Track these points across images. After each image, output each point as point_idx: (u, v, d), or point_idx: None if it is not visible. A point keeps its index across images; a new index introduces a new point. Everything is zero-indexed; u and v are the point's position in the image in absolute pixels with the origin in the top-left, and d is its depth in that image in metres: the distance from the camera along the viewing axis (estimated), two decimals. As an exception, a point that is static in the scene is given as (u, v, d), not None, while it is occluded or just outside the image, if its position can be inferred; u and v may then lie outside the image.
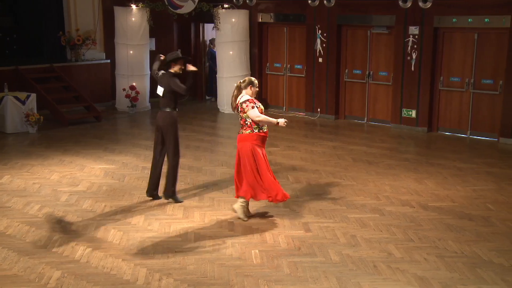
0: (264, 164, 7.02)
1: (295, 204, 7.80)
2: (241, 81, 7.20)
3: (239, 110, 7.05)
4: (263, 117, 7.01)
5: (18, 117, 11.80)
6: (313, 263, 6.03)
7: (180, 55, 7.88)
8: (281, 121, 7.21)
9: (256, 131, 7.02)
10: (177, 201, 7.78)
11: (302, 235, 6.77)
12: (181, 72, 7.72)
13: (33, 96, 12.10)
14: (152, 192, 7.89)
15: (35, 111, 11.99)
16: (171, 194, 7.80)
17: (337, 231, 6.87)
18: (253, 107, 6.96)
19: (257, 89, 7.21)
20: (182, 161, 9.78)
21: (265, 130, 7.13)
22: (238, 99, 7.12)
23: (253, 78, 7.25)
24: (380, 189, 8.44)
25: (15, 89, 12.26)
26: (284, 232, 6.84)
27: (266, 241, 6.60)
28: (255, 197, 7.08)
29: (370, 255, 6.19)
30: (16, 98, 11.79)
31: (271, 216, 7.35)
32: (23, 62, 13.58)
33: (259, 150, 7.05)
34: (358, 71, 13.20)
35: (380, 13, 12.45)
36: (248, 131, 7.03)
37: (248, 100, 7.01)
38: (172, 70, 7.68)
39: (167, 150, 7.72)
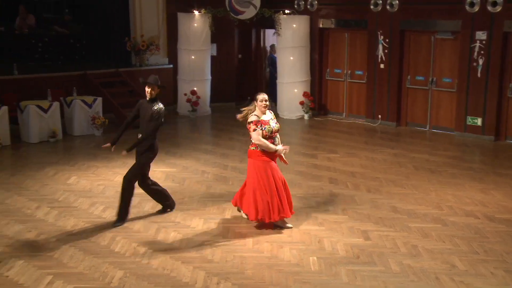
0: (265, 184, 6.88)
1: (354, 212, 7.71)
2: None
3: (246, 127, 6.97)
4: (262, 142, 6.83)
5: (85, 120, 12.21)
6: (373, 272, 5.94)
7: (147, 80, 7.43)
8: (280, 148, 6.93)
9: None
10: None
11: (361, 243, 6.68)
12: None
13: (99, 100, 12.49)
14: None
15: (101, 114, 12.37)
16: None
17: (398, 240, 6.74)
18: (254, 130, 6.83)
19: (263, 103, 6.87)
20: (241, 165, 9.90)
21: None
22: (249, 115, 6.97)
23: (259, 94, 7.04)
24: (443, 199, 8.22)
25: (83, 93, 12.70)
26: (342, 240, 6.77)
27: (324, 248, 6.55)
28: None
29: (432, 267, 6.04)
30: (84, 101, 12.21)
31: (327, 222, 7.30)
32: (91, 67, 14.05)
33: (264, 168, 6.89)
34: (420, 78, 12.91)
35: (445, 18, 12.15)
36: (253, 147, 6.95)
37: (253, 122, 6.85)
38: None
39: None
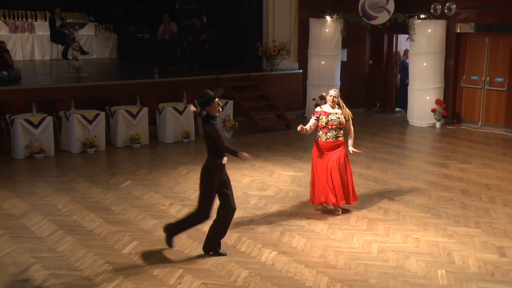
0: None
1: (489, 226, 7.28)
2: None
3: None
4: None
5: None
6: (507, 291, 5.58)
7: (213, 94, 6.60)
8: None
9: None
10: None
11: (496, 259, 6.30)
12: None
13: (231, 103, 12.93)
14: None
15: (232, 117, 12.79)
16: None
17: (538, 260, 6.28)
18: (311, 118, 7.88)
19: (331, 98, 7.60)
20: (368, 172, 9.74)
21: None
22: None
23: (331, 90, 7.97)
24: None
25: (215, 97, 13.19)
26: (474, 254, 6.42)
27: (454, 261, 6.26)
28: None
29: None
30: (216, 104, 12.68)
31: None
32: (224, 71, 14.59)
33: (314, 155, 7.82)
34: None
35: None
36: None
37: (315, 111, 7.95)
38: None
39: None
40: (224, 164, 6.39)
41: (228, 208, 6.46)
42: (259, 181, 9.38)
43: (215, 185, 6.35)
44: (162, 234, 7.04)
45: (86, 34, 19.57)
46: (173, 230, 6.58)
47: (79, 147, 11.06)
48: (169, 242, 6.59)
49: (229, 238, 6.94)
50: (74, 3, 19.10)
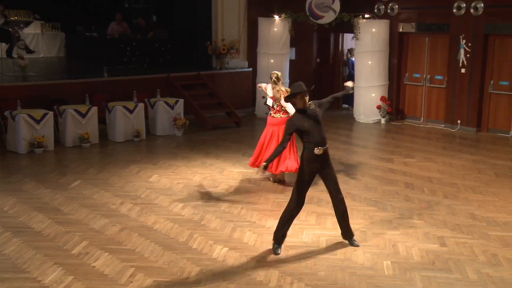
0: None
1: (430, 217, 7.62)
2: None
3: (282, 96, 8.77)
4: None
5: (167, 121, 12.69)
6: (448, 279, 5.87)
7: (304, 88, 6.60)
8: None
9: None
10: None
11: (437, 249, 6.61)
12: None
13: (181, 101, 12.95)
14: None
15: (182, 115, 12.82)
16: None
17: (476, 248, 6.62)
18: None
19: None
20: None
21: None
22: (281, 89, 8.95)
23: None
24: (525, 208, 7.97)
25: (166, 95, 13.21)
26: (417, 245, 6.72)
27: (399, 252, 6.53)
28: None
29: (513, 277, 5.91)
30: (166, 103, 12.70)
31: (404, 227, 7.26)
32: (174, 70, 14.59)
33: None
34: (505, 83, 12.49)
35: (533, 21, 11.73)
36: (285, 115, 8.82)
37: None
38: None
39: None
40: (318, 155, 6.36)
41: (334, 198, 6.66)
42: (210, 178, 9.47)
43: (305, 175, 6.41)
44: (113, 233, 7.07)
45: (32, 32, 19.13)
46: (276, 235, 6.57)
47: (27, 147, 10.86)
48: (275, 249, 6.52)
49: (181, 236, 7.02)
50: (18, 0, 18.63)
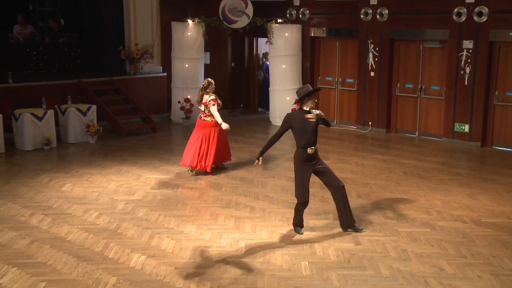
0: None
1: (345, 217, 7.84)
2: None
3: (206, 103, 9.66)
4: (217, 114, 9.67)
5: (79, 128, 12.31)
6: (363, 276, 6.06)
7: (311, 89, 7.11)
8: (224, 124, 9.61)
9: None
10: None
11: (352, 247, 6.82)
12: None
13: (94, 108, 12.61)
14: None
15: (95, 122, 12.49)
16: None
17: (388, 244, 6.88)
18: (214, 104, 9.62)
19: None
20: (234, 172, 10.03)
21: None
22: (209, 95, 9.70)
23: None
24: (432, 204, 8.38)
25: (77, 102, 12.81)
26: (333, 245, 6.90)
27: (316, 253, 6.68)
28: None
29: (421, 270, 6.18)
30: (78, 109, 12.32)
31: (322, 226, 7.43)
32: (86, 75, 14.17)
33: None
34: (410, 85, 13.12)
35: (433, 28, 12.37)
36: (209, 118, 9.75)
37: (213, 99, 9.65)
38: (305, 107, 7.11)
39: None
40: (310, 154, 7.04)
41: (334, 187, 7.20)
42: (126, 185, 9.28)
43: (304, 171, 7.06)
44: (22, 246, 6.78)
45: None
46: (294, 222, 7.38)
47: None
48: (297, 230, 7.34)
49: (96, 245, 6.83)
50: None
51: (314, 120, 6.96)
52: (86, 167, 10.35)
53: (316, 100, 7.20)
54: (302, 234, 7.25)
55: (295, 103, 7.32)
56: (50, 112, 11.80)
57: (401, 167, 10.43)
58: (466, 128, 12.12)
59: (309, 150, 7.03)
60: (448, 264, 6.32)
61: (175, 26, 14.63)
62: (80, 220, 7.73)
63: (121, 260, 6.45)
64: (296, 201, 7.26)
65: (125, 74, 14.87)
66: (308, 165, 7.11)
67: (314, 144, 7.09)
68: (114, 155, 11.32)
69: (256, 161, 7.36)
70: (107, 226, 7.48)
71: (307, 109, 7.06)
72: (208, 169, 9.83)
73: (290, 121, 7.11)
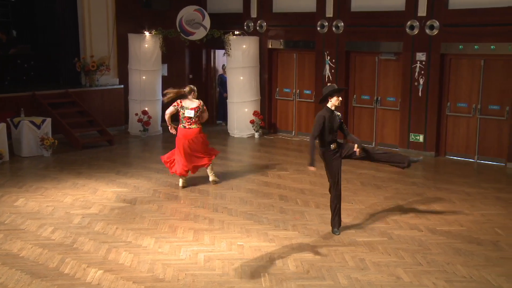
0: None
1: (304, 227, 7.89)
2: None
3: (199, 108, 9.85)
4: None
5: (33, 141, 12.03)
6: (322, 286, 6.10)
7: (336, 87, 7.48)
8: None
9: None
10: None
11: (311, 258, 6.85)
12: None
13: (48, 120, 12.35)
14: None
15: (50, 135, 12.23)
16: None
17: (346, 254, 6.95)
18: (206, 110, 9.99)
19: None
20: (193, 184, 9.97)
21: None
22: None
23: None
24: (388, 213, 8.52)
25: (31, 114, 12.52)
26: (293, 255, 6.93)
27: (275, 264, 6.69)
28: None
29: (379, 279, 6.26)
30: (32, 122, 12.04)
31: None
32: (40, 88, 13.87)
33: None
34: (366, 97, 13.36)
35: (388, 40, 12.65)
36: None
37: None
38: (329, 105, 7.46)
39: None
40: (334, 149, 7.49)
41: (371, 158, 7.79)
42: (82, 199, 9.11)
43: (333, 167, 7.55)
44: (-25, 264, 6.56)
45: None
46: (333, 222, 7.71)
47: None
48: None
49: (51, 261, 6.67)
50: None
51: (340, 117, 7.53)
52: (41, 181, 10.11)
53: (341, 98, 7.51)
54: (338, 234, 7.62)
55: (320, 102, 7.61)
56: (2, 125, 11.50)
57: (359, 178, 10.57)
58: (421, 138, 12.40)
59: (332, 146, 7.44)
60: (405, 272, 6.42)
61: (132, 38, 14.52)
62: (34, 235, 7.54)
63: (77, 275, 6.31)
64: (333, 201, 7.62)
65: (80, 86, 14.64)
66: (336, 159, 7.54)
67: (336, 140, 7.55)
68: (70, 168, 11.11)
69: (312, 167, 7.44)
70: (62, 241, 7.32)
71: (333, 108, 7.41)
72: (210, 161, 9.86)
73: (325, 119, 7.35)
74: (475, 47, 11.48)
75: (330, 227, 7.82)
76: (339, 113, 7.60)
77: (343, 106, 13.49)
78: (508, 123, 11.37)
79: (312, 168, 7.43)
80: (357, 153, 7.55)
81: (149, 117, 14.32)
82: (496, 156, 11.65)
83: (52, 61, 15.20)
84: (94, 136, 13.76)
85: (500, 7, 11.10)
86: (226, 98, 14.97)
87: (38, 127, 12.10)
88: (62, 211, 8.50)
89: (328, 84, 7.77)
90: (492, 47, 11.26)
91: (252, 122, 14.32)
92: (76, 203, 8.94)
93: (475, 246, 7.23)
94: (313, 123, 7.48)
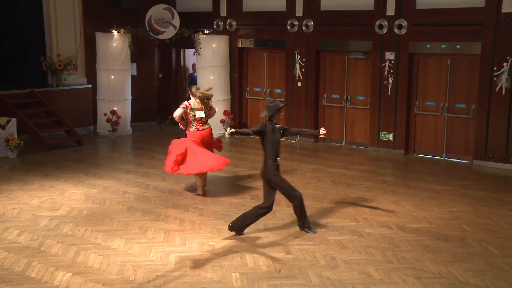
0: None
1: (275, 226, 7.88)
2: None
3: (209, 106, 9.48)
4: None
5: (-3, 142, 11.79)
6: (293, 285, 6.10)
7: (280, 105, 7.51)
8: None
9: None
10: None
11: (282, 257, 6.85)
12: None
13: (13, 121, 12.10)
14: None
15: (15, 136, 11.98)
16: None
17: (317, 253, 6.96)
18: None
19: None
20: (162, 184, 9.88)
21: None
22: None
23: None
24: (359, 211, 8.57)
25: (-5, 115, 12.26)
26: (264, 255, 6.91)
27: (247, 263, 6.66)
28: None
29: (350, 277, 6.29)
30: (-4, 123, 11.80)
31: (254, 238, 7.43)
32: (4, 87, 13.57)
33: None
34: (336, 96, 13.43)
35: (357, 39, 12.74)
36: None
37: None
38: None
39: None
40: (278, 164, 7.49)
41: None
42: (50, 201, 8.94)
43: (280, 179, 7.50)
44: None
45: None
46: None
47: None
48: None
49: (17, 265, 6.52)
50: None
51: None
52: (6, 183, 9.89)
53: (283, 113, 7.72)
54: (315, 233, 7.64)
55: (265, 117, 7.52)
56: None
57: (329, 176, 10.62)
58: (390, 136, 12.52)
59: (278, 161, 7.45)
60: (375, 270, 6.47)
61: (100, 36, 14.31)
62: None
63: (44, 279, 6.19)
64: (297, 207, 7.61)
65: (47, 86, 14.38)
66: (279, 173, 7.50)
67: (279, 157, 7.49)
68: (37, 169, 10.90)
69: (229, 129, 7.32)
70: (29, 244, 7.17)
71: (275, 121, 7.46)
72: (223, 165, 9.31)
73: (265, 128, 7.35)
74: (442, 46, 11.64)
75: (297, 226, 7.82)
76: (280, 126, 7.52)
77: (314, 105, 13.55)
78: (473, 121, 11.57)
79: (229, 129, 7.35)
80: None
81: (118, 117, 14.15)
82: (463, 154, 11.84)
83: (17, 61, 14.89)
84: (62, 137, 13.53)
85: (465, 8, 11.28)
86: None
87: (3, 127, 11.84)
88: (28, 214, 8.33)
89: (273, 99, 7.71)
90: (458, 46, 11.43)
91: (222, 121, 14.26)
92: (43, 205, 8.77)
93: (443, 242, 7.33)
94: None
